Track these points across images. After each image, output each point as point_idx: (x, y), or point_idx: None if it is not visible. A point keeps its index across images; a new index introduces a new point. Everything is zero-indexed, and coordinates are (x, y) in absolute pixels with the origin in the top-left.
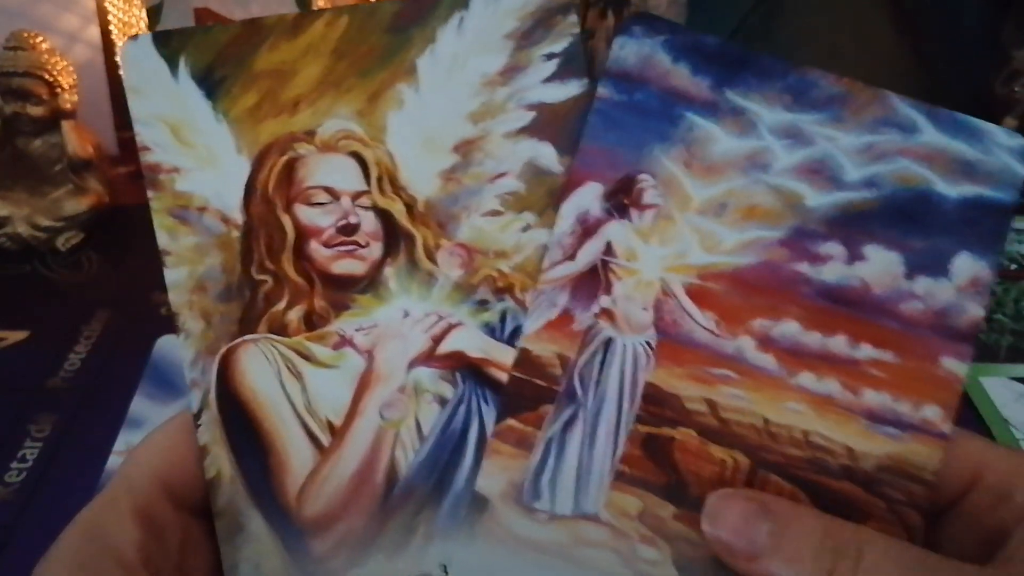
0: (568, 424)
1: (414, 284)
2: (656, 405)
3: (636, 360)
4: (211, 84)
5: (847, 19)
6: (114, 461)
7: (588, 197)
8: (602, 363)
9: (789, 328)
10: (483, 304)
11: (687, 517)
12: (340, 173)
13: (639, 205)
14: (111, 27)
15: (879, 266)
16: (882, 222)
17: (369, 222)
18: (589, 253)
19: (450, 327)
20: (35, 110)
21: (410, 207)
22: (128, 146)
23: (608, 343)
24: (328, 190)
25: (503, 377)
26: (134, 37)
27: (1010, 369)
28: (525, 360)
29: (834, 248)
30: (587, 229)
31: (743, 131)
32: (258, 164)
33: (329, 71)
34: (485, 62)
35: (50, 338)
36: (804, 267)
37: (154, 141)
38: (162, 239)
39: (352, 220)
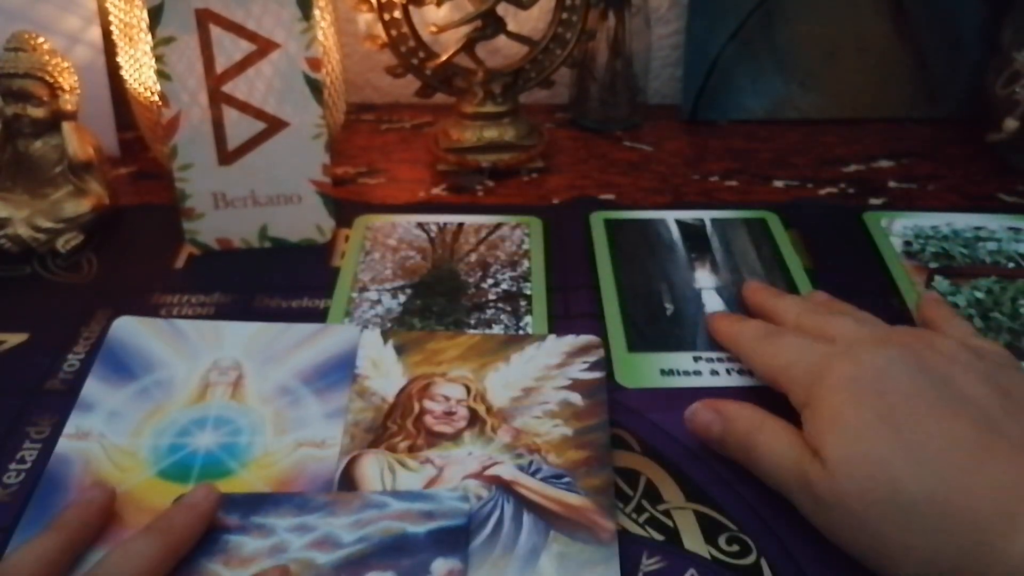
0: None
1: (479, 442)
2: None
3: None
4: (400, 350)
5: (847, 20)
6: (64, 445)
7: None
8: None
9: None
10: (520, 455)
11: None
12: (453, 390)
13: None
14: (112, 28)
15: None
16: (376, 558)
17: (463, 413)
18: None
19: (494, 463)
20: (36, 111)
21: (488, 409)
22: (128, 147)
23: None
24: (445, 397)
25: (532, 494)
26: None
27: None
28: None
29: None
30: None
31: (265, 535)
32: (411, 381)
33: (463, 355)
34: (547, 360)
35: (50, 340)
36: None
37: (366, 370)
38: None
39: (452, 410)
